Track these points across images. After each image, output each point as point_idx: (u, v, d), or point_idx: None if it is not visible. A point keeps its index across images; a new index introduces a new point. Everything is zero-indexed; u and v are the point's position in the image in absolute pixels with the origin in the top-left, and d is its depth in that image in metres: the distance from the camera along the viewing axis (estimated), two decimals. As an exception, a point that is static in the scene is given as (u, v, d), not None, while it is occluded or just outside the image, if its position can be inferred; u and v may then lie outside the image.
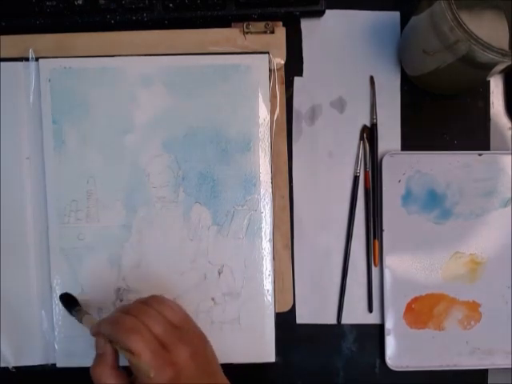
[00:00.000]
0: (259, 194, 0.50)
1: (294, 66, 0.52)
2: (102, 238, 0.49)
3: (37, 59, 0.49)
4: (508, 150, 0.53)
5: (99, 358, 0.39)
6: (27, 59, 0.49)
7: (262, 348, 0.50)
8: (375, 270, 0.52)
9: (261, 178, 0.50)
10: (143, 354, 0.36)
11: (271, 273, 0.50)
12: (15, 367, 0.50)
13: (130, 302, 0.49)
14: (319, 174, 0.52)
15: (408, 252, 0.51)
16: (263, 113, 0.50)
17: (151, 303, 0.40)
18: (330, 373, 0.52)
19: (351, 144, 0.52)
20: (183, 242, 0.50)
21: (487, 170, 0.51)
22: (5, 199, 0.49)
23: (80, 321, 0.45)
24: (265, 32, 0.50)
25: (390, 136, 0.52)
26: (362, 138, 0.52)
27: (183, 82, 0.49)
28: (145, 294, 0.49)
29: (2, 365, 0.50)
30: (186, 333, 0.40)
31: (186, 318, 0.42)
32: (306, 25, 0.52)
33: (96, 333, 0.40)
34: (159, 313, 0.39)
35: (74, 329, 0.49)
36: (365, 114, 0.52)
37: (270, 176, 0.50)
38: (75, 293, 0.49)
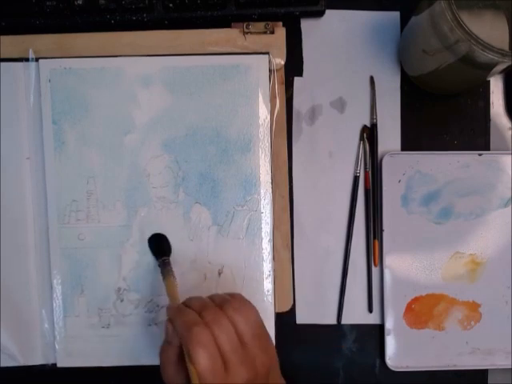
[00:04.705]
0: (259, 194, 0.50)
1: (294, 65, 0.52)
2: (102, 238, 0.49)
3: (37, 59, 0.49)
4: (508, 150, 0.53)
5: (168, 344, 0.39)
6: (27, 59, 0.49)
7: (262, 348, 0.50)
8: (375, 270, 0.52)
9: (261, 178, 0.50)
10: (203, 371, 0.36)
11: (271, 273, 0.50)
12: (14, 367, 0.50)
13: (131, 302, 0.49)
14: (319, 174, 0.52)
15: (408, 252, 0.51)
16: (263, 113, 0.50)
17: (227, 309, 0.39)
18: (330, 373, 0.52)
19: (351, 144, 0.52)
20: (183, 242, 0.50)
21: (487, 170, 0.51)
22: (5, 199, 0.49)
23: (162, 278, 0.44)
24: (265, 32, 0.50)
25: (390, 136, 0.52)
26: (362, 137, 0.52)
27: (183, 82, 0.49)
28: (145, 294, 0.49)
29: (10, 364, 0.50)
30: (251, 353, 0.38)
31: (258, 332, 0.39)
32: (305, 25, 0.52)
33: (170, 319, 0.39)
34: (233, 324, 0.38)
35: (74, 329, 0.49)
36: (365, 114, 0.52)
37: (269, 176, 0.50)
38: (75, 293, 0.49)
